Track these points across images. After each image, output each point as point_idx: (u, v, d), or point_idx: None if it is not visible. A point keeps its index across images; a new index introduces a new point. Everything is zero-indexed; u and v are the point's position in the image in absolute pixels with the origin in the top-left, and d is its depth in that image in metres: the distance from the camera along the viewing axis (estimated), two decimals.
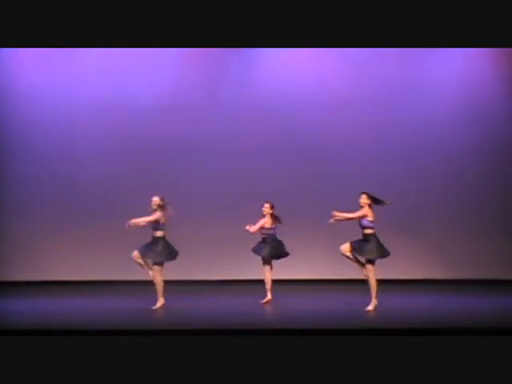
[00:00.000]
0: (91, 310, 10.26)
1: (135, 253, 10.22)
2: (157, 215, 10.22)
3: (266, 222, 10.97)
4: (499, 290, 12.31)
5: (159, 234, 10.29)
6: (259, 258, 11.09)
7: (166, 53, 13.19)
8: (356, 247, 10.09)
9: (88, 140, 13.42)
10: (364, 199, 10.19)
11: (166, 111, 13.41)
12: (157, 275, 10.19)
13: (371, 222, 10.11)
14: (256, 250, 10.99)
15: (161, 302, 10.24)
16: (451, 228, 13.38)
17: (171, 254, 10.33)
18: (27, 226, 13.31)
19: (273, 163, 13.47)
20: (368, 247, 10.04)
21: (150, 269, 10.27)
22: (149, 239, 10.35)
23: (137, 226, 10.24)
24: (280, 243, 11.04)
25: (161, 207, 10.28)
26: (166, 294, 10.36)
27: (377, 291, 10.07)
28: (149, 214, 10.29)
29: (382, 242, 10.20)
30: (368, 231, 10.11)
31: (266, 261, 10.98)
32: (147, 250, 10.19)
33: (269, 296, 10.91)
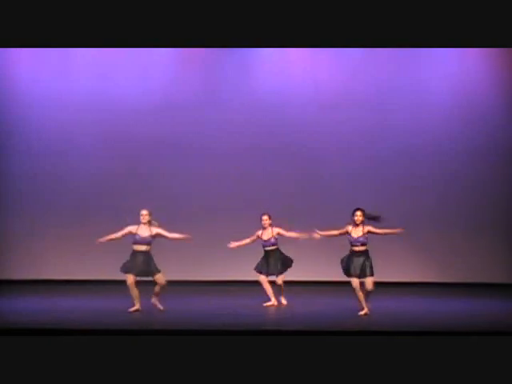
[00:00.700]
0: (85, 309, 10.26)
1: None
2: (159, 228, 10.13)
3: (262, 233, 10.88)
4: (491, 293, 12.36)
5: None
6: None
7: (160, 53, 13.21)
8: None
9: (81, 139, 13.44)
10: (359, 216, 9.95)
11: (160, 111, 13.44)
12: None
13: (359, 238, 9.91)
14: (257, 269, 10.91)
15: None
16: (444, 231, 13.40)
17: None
18: (21, 224, 13.31)
19: (267, 164, 13.50)
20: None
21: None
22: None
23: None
24: (281, 256, 10.89)
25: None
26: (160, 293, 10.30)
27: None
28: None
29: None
30: (362, 248, 9.92)
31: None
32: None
33: (273, 300, 10.83)
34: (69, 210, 13.38)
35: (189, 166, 13.47)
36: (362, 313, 9.80)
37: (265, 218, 10.91)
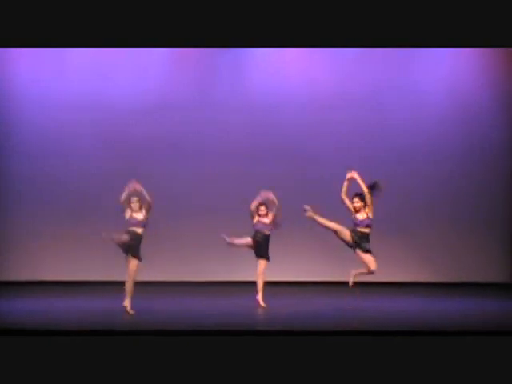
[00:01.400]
0: (82, 310, 10.23)
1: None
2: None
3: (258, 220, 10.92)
4: (486, 293, 12.39)
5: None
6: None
7: (155, 53, 13.20)
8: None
9: (79, 139, 13.40)
10: (357, 202, 10.06)
11: (156, 111, 13.42)
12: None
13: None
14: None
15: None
16: (439, 231, 13.41)
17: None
18: (19, 225, 13.30)
19: (264, 164, 13.49)
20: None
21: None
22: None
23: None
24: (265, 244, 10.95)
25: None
26: (153, 294, 10.30)
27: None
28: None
29: (371, 245, 10.19)
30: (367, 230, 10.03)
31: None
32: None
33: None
34: (67, 211, 13.34)
35: (186, 166, 13.47)
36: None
37: (262, 208, 10.99)
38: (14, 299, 11.35)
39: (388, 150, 13.54)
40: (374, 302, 11.28)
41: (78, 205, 13.34)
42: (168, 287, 12.66)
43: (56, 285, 12.92)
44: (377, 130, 13.55)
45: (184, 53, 13.21)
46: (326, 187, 13.37)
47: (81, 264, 13.18)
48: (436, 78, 13.56)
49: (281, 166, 13.47)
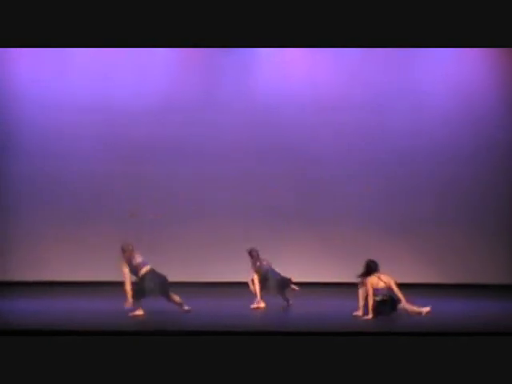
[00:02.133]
0: (85, 310, 10.17)
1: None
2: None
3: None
4: (491, 295, 12.31)
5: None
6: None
7: (159, 54, 13.16)
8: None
9: (81, 140, 13.39)
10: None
11: (159, 112, 13.40)
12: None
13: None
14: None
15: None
16: (443, 232, 13.37)
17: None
18: (20, 226, 13.29)
19: (267, 165, 13.46)
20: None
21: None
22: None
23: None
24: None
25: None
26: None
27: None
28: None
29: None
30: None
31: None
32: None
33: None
34: (68, 212, 13.32)
35: (189, 167, 13.44)
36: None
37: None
38: (16, 299, 11.29)
39: (392, 152, 13.49)
40: None
41: (79, 205, 13.33)
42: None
43: (59, 285, 12.87)
44: (381, 131, 13.50)
45: (188, 54, 13.18)
46: (330, 188, 13.39)
47: (83, 264, 13.16)
48: (441, 78, 13.51)
49: (285, 166, 13.44)
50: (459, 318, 9.71)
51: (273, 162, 13.45)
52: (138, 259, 9.88)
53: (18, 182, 13.33)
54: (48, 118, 13.36)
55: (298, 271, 12.93)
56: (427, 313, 9.78)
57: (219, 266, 12.99)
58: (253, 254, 10.75)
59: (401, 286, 12.73)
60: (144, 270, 9.82)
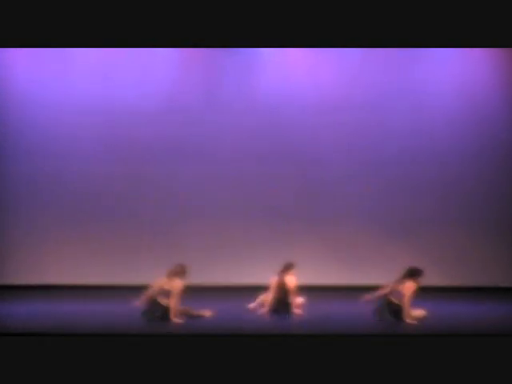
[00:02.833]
0: (85, 313, 10.19)
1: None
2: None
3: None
4: (495, 297, 12.32)
5: None
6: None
7: (160, 54, 13.14)
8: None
9: (81, 141, 13.39)
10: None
11: (161, 112, 13.39)
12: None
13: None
14: None
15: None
16: (446, 233, 13.35)
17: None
18: (20, 228, 13.25)
19: (269, 166, 13.43)
20: None
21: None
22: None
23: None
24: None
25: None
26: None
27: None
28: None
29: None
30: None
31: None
32: None
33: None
34: (68, 213, 13.30)
35: (190, 168, 13.43)
36: None
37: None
38: (16, 303, 11.27)
39: (395, 152, 13.48)
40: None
41: (80, 206, 13.30)
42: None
43: (59, 288, 12.81)
44: (383, 132, 13.50)
45: (190, 54, 13.16)
46: (329, 188, 13.36)
47: (84, 267, 13.12)
48: (443, 79, 13.50)
49: (285, 166, 13.42)
50: (460, 320, 9.74)
51: (273, 162, 13.42)
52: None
53: (18, 183, 13.31)
54: (48, 118, 13.33)
55: (297, 272, 12.89)
56: (423, 317, 9.72)
57: (219, 266, 12.97)
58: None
59: None
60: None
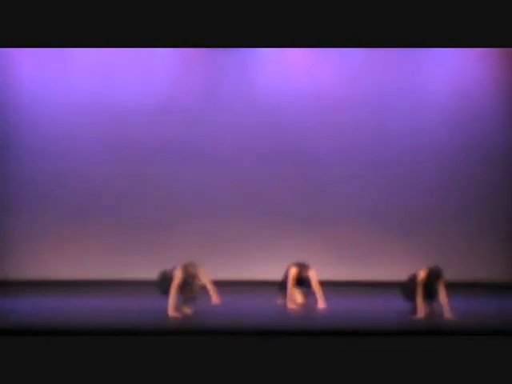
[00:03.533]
0: (85, 309, 10.22)
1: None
2: None
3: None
4: (492, 293, 12.34)
5: None
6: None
7: (160, 54, 13.18)
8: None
9: (82, 140, 13.39)
10: None
11: (160, 112, 13.40)
12: None
13: None
14: None
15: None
16: (444, 231, 13.36)
17: None
18: (20, 225, 13.30)
19: (268, 165, 13.44)
20: None
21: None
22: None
23: None
24: None
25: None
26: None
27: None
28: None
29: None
30: None
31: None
32: None
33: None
34: (69, 212, 13.34)
35: (189, 168, 13.44)
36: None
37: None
38: (16, 298, 11.33)
39: (393, 151, 13.50)
40: (378, 302, 11.25)
41: (80, 205, 13.34)
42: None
43: (59, 284, 12.83)
44: (381, 131, 13.51)
45: (189, 54, 13.20)
46: (329, 188, 13.39)
47: (84, 264, 13.18)
48: (440, 79, 13.52)
49: (285, 166, 13.44)
50: (460, 317, 9.69)
51: (273, 162, 13.44)
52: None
53: (19, 182, 13.35)
54: (49, 117, 13.37)
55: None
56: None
57: (219, 265, 13.00)
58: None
59: (399, 284, 12.71)
60: None
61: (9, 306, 10.49)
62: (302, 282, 10.54)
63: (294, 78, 13.53)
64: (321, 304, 10.45)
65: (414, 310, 9.73)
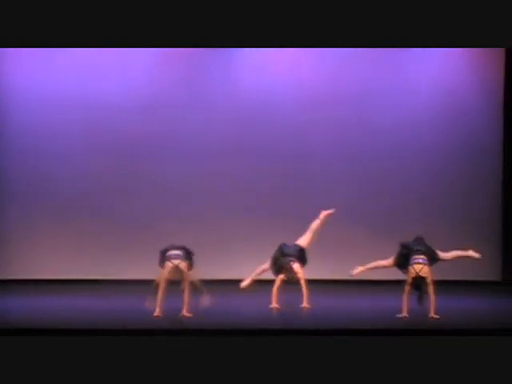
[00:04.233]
0: (78, 308, 10.23)
1: None
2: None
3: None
4: (477, 291, 12.48)
5: None
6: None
7: (144, 53, 13.21)
8: None
9: (69, 138, 13.43)
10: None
11: (145, 110, 13.47)
12: None
13: None
14: None
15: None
16: (429, 229, 13.39)
17: None
18: (11, 223, 13.38)
19: (255, 163, 13.55)
20: None
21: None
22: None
23: None
24: None
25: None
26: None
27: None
28: None
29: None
30: None
31: None
32: None
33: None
34: (61, 210, 13.41)
35: (176, 165, 13.51)
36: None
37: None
38: (8, 298, 11.34)
39: (378, 149, 13.60)
40: (368, 301, 11.32)
41: (72, 204, 13.40)
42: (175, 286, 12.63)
43: (49, 283, 12.90)
44: (366, 129, 13.61)
45: (174, 52, 13.22)
46: (318, 185, 13.46)
47: (76, 263, 13.23)
48: (425, 77, 13.62)
49: (272, 163, 13.53)
50: (445, 315, 9.75)
51: (263, 160, 13.52)
52: None
53: (11, 180, 13.36)
54: (37, 115, 13.40)
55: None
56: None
57: (212, 263, 13.04)
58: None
59: (388, 282, 12.85)
60: None
61: (2, 306, 10.50)
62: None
63: (281, 75, 13.60)
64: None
65: (400, 309, 9.80)
